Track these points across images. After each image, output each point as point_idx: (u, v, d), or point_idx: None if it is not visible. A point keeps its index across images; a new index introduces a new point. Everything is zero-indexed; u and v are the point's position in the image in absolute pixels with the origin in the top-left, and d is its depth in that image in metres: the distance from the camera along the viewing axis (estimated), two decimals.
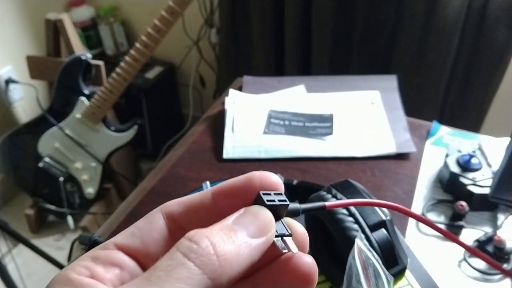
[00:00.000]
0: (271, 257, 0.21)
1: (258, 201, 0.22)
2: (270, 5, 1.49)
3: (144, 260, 0.21)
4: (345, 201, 0.25)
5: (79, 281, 0.19)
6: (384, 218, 0.50)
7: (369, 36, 1.42)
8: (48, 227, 1.82)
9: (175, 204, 0.23)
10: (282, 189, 0.22)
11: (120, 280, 0.20)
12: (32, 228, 1.77)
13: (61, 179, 1.58)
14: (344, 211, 0.50)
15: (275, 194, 0.22)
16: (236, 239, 0.19)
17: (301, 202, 0.25)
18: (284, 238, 0.21)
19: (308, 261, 0.21)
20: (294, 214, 0.23)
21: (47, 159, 1.58)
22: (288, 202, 0.22)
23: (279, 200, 0.22)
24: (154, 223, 0.22)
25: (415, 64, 1.36)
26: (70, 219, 1.64)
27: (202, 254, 0.18)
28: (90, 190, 1.63)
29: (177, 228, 0.22)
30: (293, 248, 0.21)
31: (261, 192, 0.22)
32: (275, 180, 0.22)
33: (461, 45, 1.30)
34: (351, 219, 0.49)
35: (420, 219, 0.26)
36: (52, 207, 1.67)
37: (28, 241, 1.38)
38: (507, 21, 1.22)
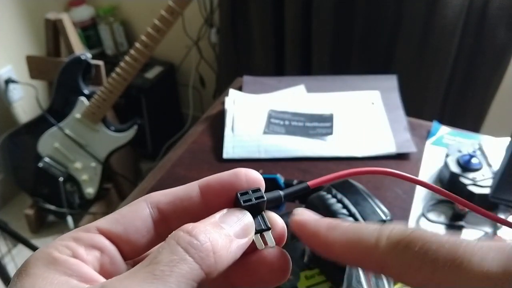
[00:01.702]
0: (247, 251, 0.22)
1: (237, 201, 0.23)
2: (270, 5, 1.49)
3: (125, 246, 0.22)
4: (326, 176, 0.25)
5: (63, 260, 0.20)
6: (384, 218, 0.50)
7: (369, 36, 1.42)
8: (48, 227, 1.81)
9: (160, 195, 0.23)
10: (263, 185, 0.24)
11: (100, 263, 0.21)
12: (32, 228, 1.77)
13: (61, 179, 1.58)
14: (344, 211, 0.50)
15: (252, 191, 0.23)
16: (225, 237, 0.20)
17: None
18: (263, 233, 0.23)
19: (283, 254, 0.23)
20: (277, 201, 0.24)
21: (47, 159, 1.57)
22: (265, 198, 0.23)
23: (256, 198, 0.23)
24: (138, 212, 0.22)
25: (415, 64, 1.36)
26: (70, 219, 1.64)
27: (201, 250, 0.19)
28: (90, 190, 1.63)
29: (161, 219, 0.23)
30: (270, 242, 0.23)
31: (238, 193, 0.23)
32: (258, 176, 0.24)
33: (461, 45, 1.30)
34: (351, 219, 0.49)
35: (413, 180, 0.26)
36: (52, 207, 1.67)
37: (28, 241, 1.38)
38: (507, 21, 1.22)
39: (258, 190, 0.23)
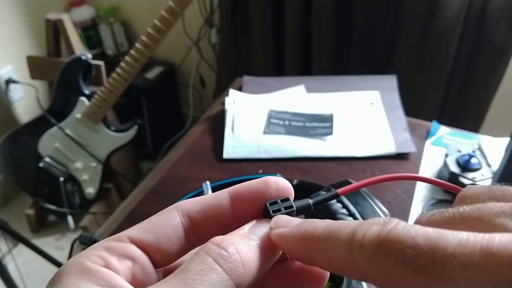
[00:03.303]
0: (278, 260, 0.22)
1: (266, 211, 0.23)
2: (270, 5, 1.49)
3: (156, 255, 0.22)
4: (355, 184, 0.25)
5: (96, 270, 0.20)
6: (384, 218, 0.50)
7: (369, 36, 1.42)
8: (48, 227, 1.82)
9: (190, 203, 0.23)
10: (292, 194, 0.24)
11: (132, 273, 0.21)
12: (32, 228, 1.77)
13: (61, 179, 1.58)
14: (344, 211, 0.50)
15: (281, 201, 0.23)
16: (255, 249, 0.21)
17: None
18: None
19: None
20: (306, 210, 0.24)
21: (47, 159, 1.58)
22: (294, 208, 0.23)
23: (286, 207, 0.23)
24: (169, 220, 0.22)
25: (415, 64, 1.37)
26: (70, 219, 1.64)
27: (230, 261, 0.19)
28: (90, 190, 1.63)
29: (192, 227, 0.23)
30: None
31: (267, 203, 0.23)
32: (288, 185, 0.24)
33: (461, 45, 1.30)
34: (350, 218, 0.49)
35: (429, 181, 0.25)
36: (53, 207, 1.67)
37: (29, 241, 1.38)
38: (507, 21, 1.22)
39: (287, 199, 0.23)
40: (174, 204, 0.23)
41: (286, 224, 0.21)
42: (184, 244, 0.22)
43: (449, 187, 0.24)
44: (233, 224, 0.22)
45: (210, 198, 0.23)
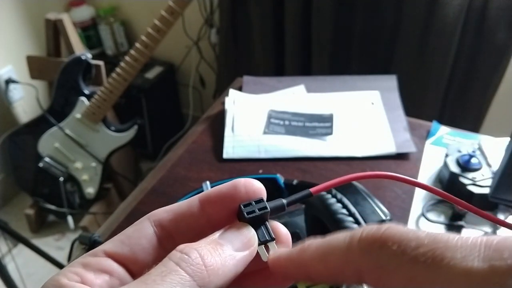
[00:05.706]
0: (258, 263, 0.23)
1: (240, 213, 0.23)
2: (270, 5, 1.49)
3: (133, 266, 0.22)
4: (327, 183, 0.25)
5: (71, 286, 0.20)
6: (384, 218, 0.50)
7: (369, 36, 1.42)
8: (48, 227, 1.82)
9: (163, 212, 0.23)
10: (264, 195, 0.23)
11: (110, 286, 0.21)
12: (32, 228, 1.77)
13: (61, 179, 1.58)
14: (344, 211, 0.50)
15: (255, 202, 0.23)
16: (222, 252, 0.21)
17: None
18: (268, 243, 0.23)
19: None
20: (280, 209, 0.24)
21: (47, 159, 1.58)
22: (268, 209, 0.23)
23: (260, 209, 0.23)
24: (142, 231, 0.23)
25: (415, 64, 1.37)
26: (70, 219, 1.64)
27: (192, 264, 0.20)
28: (90, 190, 1.63)
29: (166, 235, 0.23)
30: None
31: (241, 205, 0.23)
32: (259, 186, 0.23)
33: (461, 45, 1.30)
34: (350, 219, 0.49)
35: (414, 183, 0.26)
36: (52, 207, 1.67)
37: (28, 241, 1.38)
38: (507, 21, 1.22)
39: (261, 200, 0.23)
40: (147, 214, 0.23)
41: (282, 250, 0.22)
42: (159, 252, 0.23)
43: (434, 191, 0.25)
44: (207, 230, 0.23)
45: (181, 206, 0.23)
